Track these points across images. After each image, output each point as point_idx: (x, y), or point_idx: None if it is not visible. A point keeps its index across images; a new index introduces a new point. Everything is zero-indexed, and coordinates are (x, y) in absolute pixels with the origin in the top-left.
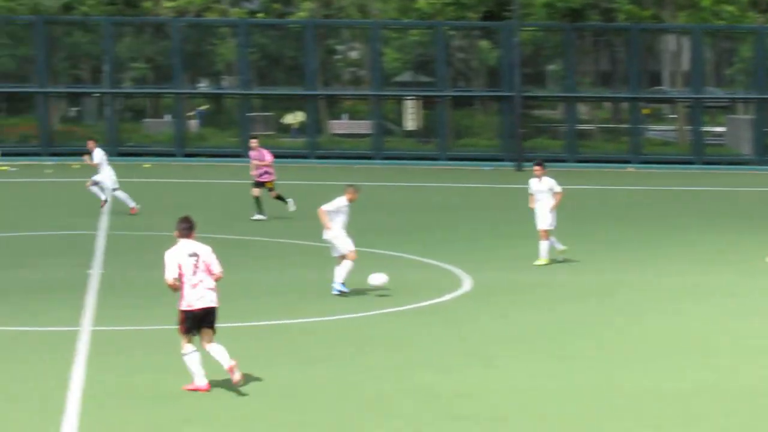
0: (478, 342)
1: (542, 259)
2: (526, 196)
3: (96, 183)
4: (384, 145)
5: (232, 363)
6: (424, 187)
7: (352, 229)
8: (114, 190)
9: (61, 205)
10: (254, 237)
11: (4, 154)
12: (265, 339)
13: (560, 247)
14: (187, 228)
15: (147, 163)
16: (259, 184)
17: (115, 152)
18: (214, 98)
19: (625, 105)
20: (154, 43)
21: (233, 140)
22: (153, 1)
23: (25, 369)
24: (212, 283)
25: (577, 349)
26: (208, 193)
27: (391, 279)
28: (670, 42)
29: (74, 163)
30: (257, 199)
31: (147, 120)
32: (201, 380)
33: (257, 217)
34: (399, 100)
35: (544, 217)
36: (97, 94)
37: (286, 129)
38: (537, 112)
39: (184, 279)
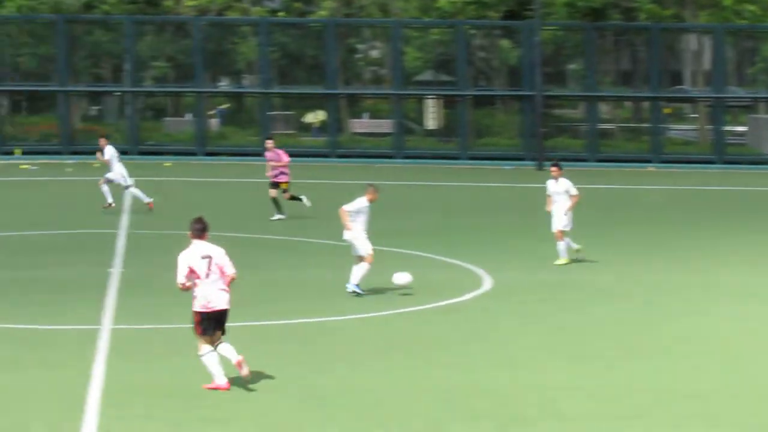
0: (499, 341)
1: (562, 259)
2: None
3: (110, 181)
4: (405, 144)
5: (240, 358)
6: (445, 186)
7: (372, 228)
8: (126, 187)
9: (82, 204)
10: (273, 236)
11: (25, 153)
12: (284, 338)
13: (574, 246)
14: (200, 229)
15: (168, 162)
16: (275, 185)
17: (135, 151)
18: (235, 97)
19: (646, 104)
20: (175, 41)
21: (254, 139)
22: None
23: (46, 367)
24: (225, 285)
25: (597, 349)
26: (229, 192)
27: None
28: (691, 41)
29: (95, 161)
30: (275, 199)
31: (168, 119)
32: (221, 379)
33: (277, 217)
34: (420, 99)
35: (560, 219)
36: (118, 93)
37: (307, 128)
38: (558, 112)
39: (197, 281)
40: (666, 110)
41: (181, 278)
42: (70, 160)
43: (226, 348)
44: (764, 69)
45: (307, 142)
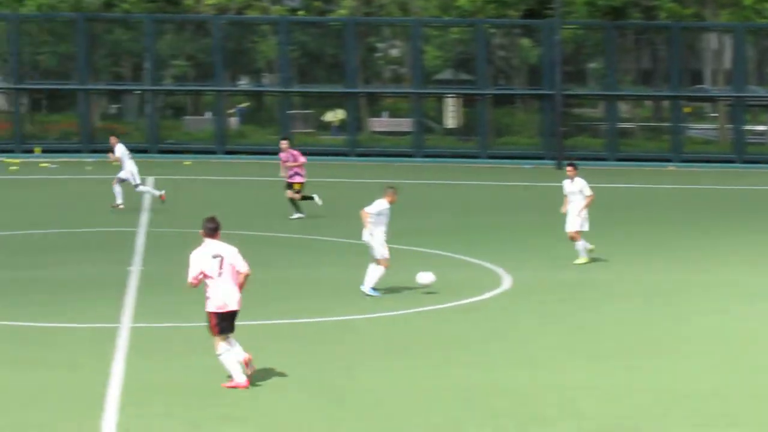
0: (518, 341)
1: (582, 258)
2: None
3: (122, 181)
4: (424, 143)
5: (246, 356)
6: (464, 185)
7: (392, 227)
8: (136, 186)
9: (102, 202)
10: (292, 234)
11: (44, 151)
12: (304, 337)
13: (588, 246)
14: (212, 228)
15: (187, 161)
16: (291, 186)
17: (155, 149)
18: (255, 96)
19: (666, 103)
20: (195, 40)
21: (273, 138)
22: None
23: (66, 365)
24: (236, 285)
25: (616, 348)
26: (248, 191)
27: None
28: (711, 40)
29: (113, 160)
30: (292, 199)
31: (187, 117)
32: (240, 377)
33: (296, 216)
34: (439, 98)
35: (573, 220)
36: (138, 92)
37: (326, 127)
38: (578, 111)
39: (209, 280)
40: (686, 109)
41: (191, 277)
42: (89, 159)
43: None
44: None
45: (326, 141)
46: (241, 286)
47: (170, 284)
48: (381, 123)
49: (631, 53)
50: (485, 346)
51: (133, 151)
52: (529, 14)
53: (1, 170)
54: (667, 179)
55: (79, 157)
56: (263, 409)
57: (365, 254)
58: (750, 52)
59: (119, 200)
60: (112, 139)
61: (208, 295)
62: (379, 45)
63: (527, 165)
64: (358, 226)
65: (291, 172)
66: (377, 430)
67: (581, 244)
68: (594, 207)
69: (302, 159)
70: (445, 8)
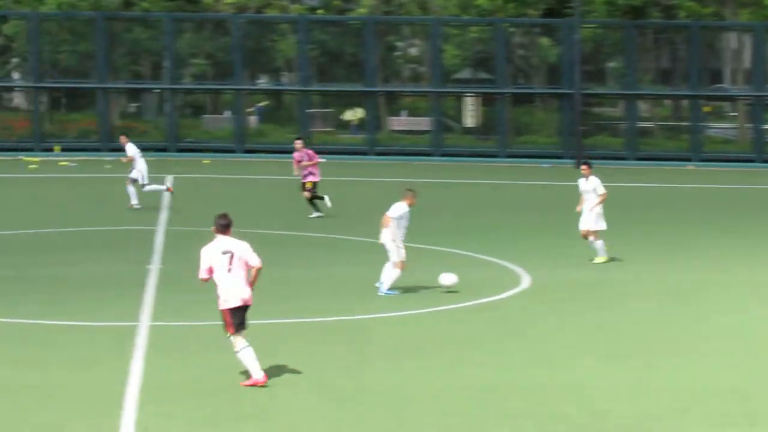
0: (536, 339)
1: (601, 257)
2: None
3: (134, 181)
4: (443, 142)
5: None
6: (483, 184)
7: (410, 226)
8: (143, 186)
9: (120, 201)
10: (311, 233)
11: (64, 150)
12: (321, 336)
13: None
14: (224, 225)
15: (206, 159)
16: (305, 185)
17: (174, 148)
18: (274, 94)
19: (685, 102)
20: (214, 39)
21: (292, 137)
22: None
23: (85, 363)
24: (247, 281)
25: (635, 348)
26: (267, 190)
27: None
28: (731, 39)
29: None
30: (317, 197)
31: (206, 116)
32: (257, 373)
33: (315, 215)
34: (458, 97)
35: (586, 218)
36: (157, 90)
37: (345, 125)
38: (597, 110)
39: (218, 277)
40: (706, 108)
41: (201, 273)
42: (108, 157)
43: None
44: None
45: (345, 140)
46: (253, 281)
47: (189, 283)
48: (400, 122)
49: (651, 52)
50: (504, 345)
51: (153, 149)
52: (549, 13)
53: (20, 169)
54: (687, 179)
55: (98, 155)
56: (280, 407)
57: (383, 253)
58: None
59: (134, 200)
60: (122, 139)
61: (218, 293)
62: (399, 44)
63: (546, 164)
64: (377, 225)
65: (305, 172)
66: (393, 429)
67: (600, 243)
68: (613, 206)
69: (317, 158)
70: (464, 7)
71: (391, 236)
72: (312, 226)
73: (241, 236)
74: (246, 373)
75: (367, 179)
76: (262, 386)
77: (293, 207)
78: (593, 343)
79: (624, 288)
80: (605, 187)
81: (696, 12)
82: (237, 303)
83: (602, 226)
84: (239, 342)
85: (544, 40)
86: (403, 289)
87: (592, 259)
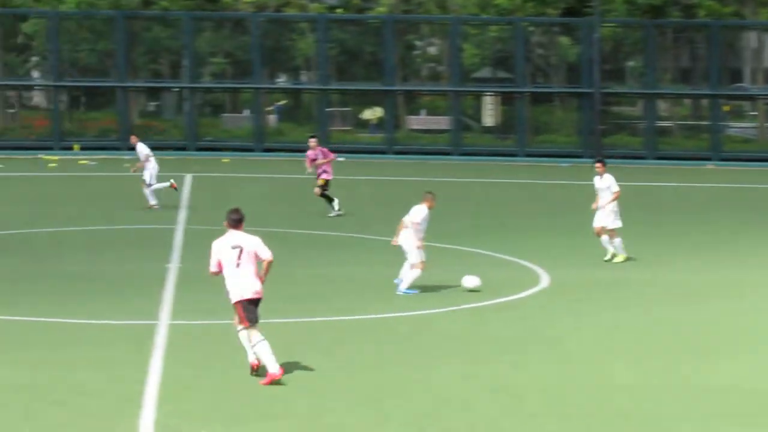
0: (556, 339)
1: (621, 256)
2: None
3: (161, 189)
4: (462, 141)
5: (256, 361)
6: (502, 183)
7: (429, 225)
8: (148, 185)
9: (140, 199)
10: (330, 232)
11: (83, 148)
12: (341, 335)
13: (610, 247)
14: (236, 219)
15: (225, 158)
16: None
17: (193, 147)
18: (293, 93)
19: (705, 102)
20: (234, 38)
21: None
22: None
23: (104, 361)
24: (257, 276)
25: (654, 348)
26: (286, 188)
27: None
28: (751, 38)
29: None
30: (327, 196)
31: (226, 115)
32: (273, 367)
33: (334, 213)
34: (477, 95)
35: (600, 215)
36: (177, 89)
37: (364, 124)
38: (616, 109)
39: (227, 271)
40: (725, 108)
41: (211, 266)
42: (128, 156)
43: (245, 336)
44: None
45: (364, 139)
46: (265, 274)
47: (208, 281)
48: (419, 121)
49: (670, 51)
50: (523, 345)
51: (172, 148)
52: (568, 12)
53: (40, 167)
54: (706, 178)
55: (118, 154)
56: (300, 406)
57: (402, 254)
58: None
59: (152, 201)
60: (133, 138)
61: (227, 288)
62: (418, 43)
63: (565, 163)
64: (396, 225)
65: (320, 170)
66: (414, 428)
67: (618, 241)
68: (632, 206)
69: (332, 156)
70: (483, 6)
71: (413, 239)
72: (331, 226)
73: (261, 235)
74: (263, 371)
75: (386, 178)
76: (278, 381)
77: (312, 206)
78: (612, 343)
79: (643, 288)
80: (622, 186)
81: (716, 11)
82: (247, 296)
83: (618, 224)
84: (254, 335)
85: (564, 39)
86: (423, 288)
87: (610, 259)
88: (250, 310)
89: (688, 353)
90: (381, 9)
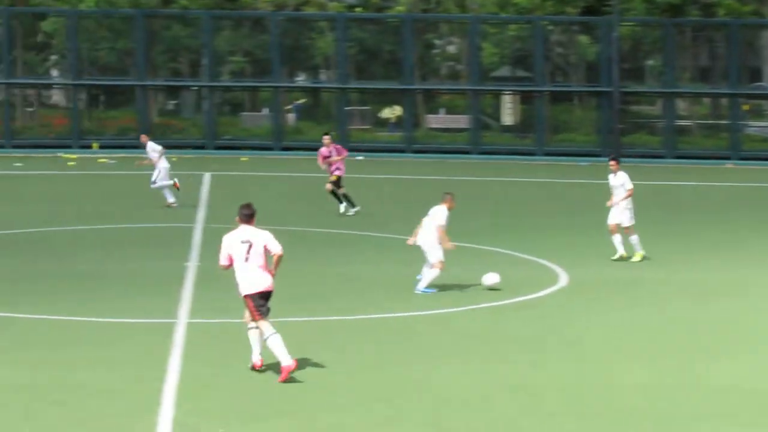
0: (575, 337)
1: (637, 254)
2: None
3: (164, 187)
4: (481, 140)
5: (259, 362)
6: (521, 182)
7: (448, 224)
8: (153, 183)
9: (159, 198)
10: (348, 231)
11: (102, 147)
12: (358, 334)
13: (620, 248)
14: (247, 215)
15: (244, 157)
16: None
17: (212, 145)
18: (312, 92)
19: (724, 101)
20: (253, 36)
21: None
22: None
23: (122, 359)
24: (266, 270)
25: (672, 347)
26: (304, 187)
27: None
28: None
29: (173, 156)
30: (345, 195)
31: (245, 113)
32: (286, 360)
33: (351, 211)
34: (496, 94)
35: (614, 213)
36: (196, 88)
37: (383, 123)
38: (635, 108)
39: (236, 265)
40: (745, 107)
41: (221, 260)
42: (146, 155)
43: (254, 335)
44: None
45: (383, 138)
46: (275, 268)
47: (226, 280)
48: (438, 120)
49: (690, 50)
50: (542, 343)
51: (191, 147)
52: (587, 11)
53: (59, 165)
54: (725, 177)
55: (137, 152)
56: (317, 405)
57: (420, 252)
58: None
59: (171, 199)
60: (143, 138)
61: (237, 281)
62: (437, 41)
63: (584, 162)
64: (414, 223)
65: (333, 167)
66: (432, 427)
67: (635, 238)
68: (651, 205)
69: (345, 153)
70: (502, 5)
71: (434, 239)
72: (349, 224)
73: (279, 234)
74: (277, 368)
75: (405, 177)
76: (295, 378)
77: (331, 205)
78: (630, 342)
79: (661, 287)
80: (641, 185)
81: (735, 10)
82: (256, 289)
83: (632, 221)
84: (266, 329)
85: (583, 38)
86: (441, 287)
87: (618, 258)
88: (260, 303)
89: (707, 353)
90: (400, 8)
